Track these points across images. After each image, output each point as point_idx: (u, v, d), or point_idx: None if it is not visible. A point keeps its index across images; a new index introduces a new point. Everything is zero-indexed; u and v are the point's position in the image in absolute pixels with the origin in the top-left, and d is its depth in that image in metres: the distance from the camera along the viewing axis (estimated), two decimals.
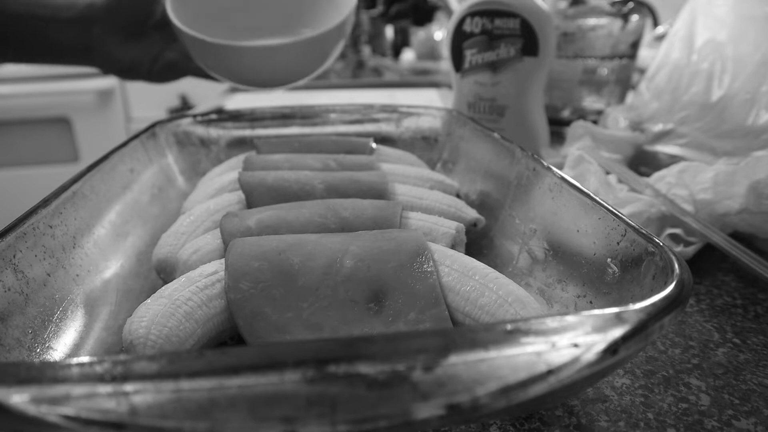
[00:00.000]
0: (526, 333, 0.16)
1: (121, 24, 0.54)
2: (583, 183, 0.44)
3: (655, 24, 1.08)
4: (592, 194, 0.29)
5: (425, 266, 0.28)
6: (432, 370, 0.15)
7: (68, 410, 0.14)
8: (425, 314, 0.26)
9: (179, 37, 0.51)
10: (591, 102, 0.76)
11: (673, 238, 0.40)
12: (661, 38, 0.91)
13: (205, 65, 0.53)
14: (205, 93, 2.02)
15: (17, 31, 0.53)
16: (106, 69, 0.58)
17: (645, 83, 0.64)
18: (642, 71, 0.77)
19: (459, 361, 0.15)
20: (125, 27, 0.54)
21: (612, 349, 0.16)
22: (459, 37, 0.58)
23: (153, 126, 0.49)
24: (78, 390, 0.14)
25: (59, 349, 0.26)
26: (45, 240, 0.29)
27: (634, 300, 0.18)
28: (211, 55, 0.51)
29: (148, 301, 0.26)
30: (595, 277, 0.27)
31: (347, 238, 0.30)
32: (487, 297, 0.27)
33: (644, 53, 0.88)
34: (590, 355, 0.16)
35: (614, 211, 0.27)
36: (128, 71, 0.58)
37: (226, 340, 0.28)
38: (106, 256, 0.34)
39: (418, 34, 1.62)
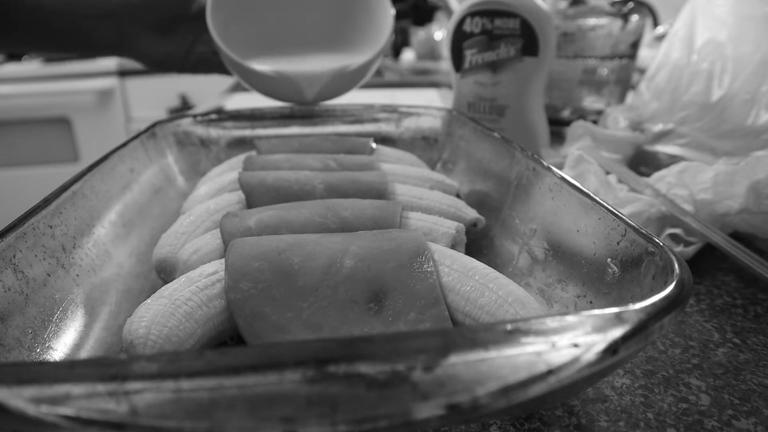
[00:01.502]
0: (526, 333, 0.16)
1: (155, 20, 0.55)
2: (583, 183, 0.44)
3: (655, 24, 1.08)
4: (592, 194, 0.29)
5: (425, 266, 0.28)
6: (432, 370, 0.15)
7: (68, 410, 0.14)
8: (425, 314, 0.26)
9: (220, 54, 0.52)
10: (591, 102, 0.76)
11: (673, 238, 0.40)
12: (661, 38, 0.91)
13: (243, 80, 0.54)
14: (205, 93, 2.02)
15: (52, 25, 0.54)
16: (140, 61, 0.59)
17: (645, 83, 0.64)
18: (642, 71, 0.77)
19: (459, 361, 0.15)
20: (159, 23, 0.55)
21: (612, 349, 0.16)
22: (459, 37, 0.58)
23: (153, 126, 0.49)
24: (78, 390, 0.14)
25: (59, 349, 0.26)
26: (45, 240, 0.29)
27: (634, 300, 0.18)
28: (251, 76, 0.52)
29: (148, 301, 0.26)
30: (595, 277, 0.27)
31: (347, 238, 0.30)
32: (487, 297, 0.27)
33: (644, 53, 0.88)
34: (590, 355, 0.16)
35: (614, 211, 0.27)
36: (161, 64, 0.58)
37: (226, 340, 0.28)
38: (105, 257, 0.34)
39: (418, 34, 1.62)
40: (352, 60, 0.53)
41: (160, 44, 0.56)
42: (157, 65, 0.59)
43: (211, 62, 0.59)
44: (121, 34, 0.54)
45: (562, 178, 0.32)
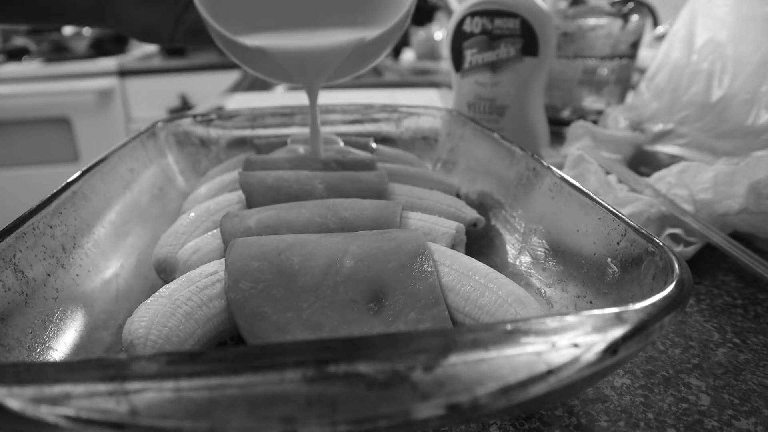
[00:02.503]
0: (526, 333, 0.16)
1: None
2: (583, 183, 0.44)
3: (655, 24, 1.08)
4: (592, 194, 0.29)
5: (425, 266, 0.28)
6: (432, 370, 0.15)
7: (68, 410, 0.14)
8: (425, 314, 0.26)
9: (207, 27, 0.42)
10: (591, 102, 0.76)
11: (673, 238, 0.40)
12: (661, 38, 0.91)
13: (237, 59, 0.44)
14: (205, 93, 2.02)
15: None
16: (124, 31, 0.52)
17: (645, 83, 0.64)
18: (642, 71, 0.77)
19: (459, 361, 0.15)
20: None
21: (612, 349, 0.16)
22: (459, 37, 0.58)
23: (153, 126, 0.49)
24: (78, 390, 0.14)
25: (59, 349, 0.26)
26: (45, 240, 0.29)
27: (634, 300, 0.18)
28: (244, 53, 0.42)
29: (148, 300, 0.26)
30: (595, 277, 0.27)
31: (347, 238, 0.30)
32: (487, 297, 0.27)
33: (644, 53, 0.88)
34: (590, 355, 0.16)
35: (614, 211, 0.27)
36: (146, 34, 0.51)
37: (226, 340, 0.28)
38: (106, 256, 0.34)
39: (418, 34, 1.62)
40: (367, 32, 0.42)
41: (146, 10, 0.48)
42: (142, 35, 0.51)
43: (204, 34, 0.49)
44: (98, 1, 0.48)
45: (562, 178, 0.32)
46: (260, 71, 0.46)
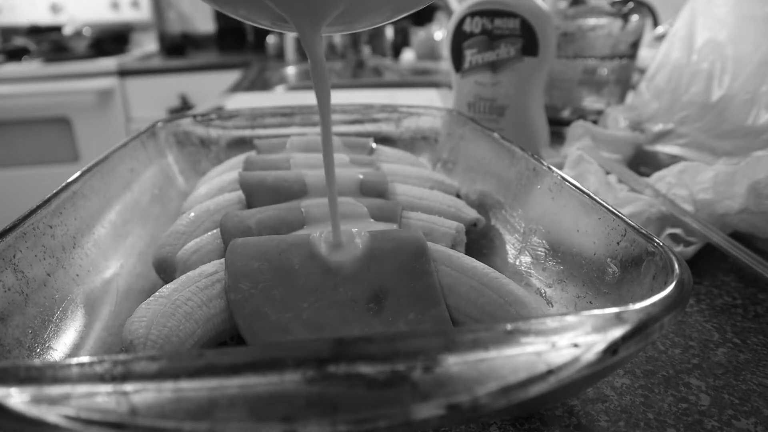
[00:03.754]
0: (526, 333, 0.16)
1: None
2: (583, 183, 0.44)
3: (655, 24, 1.08)
4: (592, 194, 0.29)
5: (425, 266, 0.28)
6: (432, 370, 0.15)
7: (68, 410, 0.14)
8: (425, 314, 0.26)
9: None
10: (591, 102, 0.76)
11: (673, 238, 0.40)
12: (661, 38, 0.91)
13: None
14: (205, 93, 2.02)
15: None
16: None
17: (645, 83, 0.64)
18: (642, 71, 0.77)
19: (459, 361, 0.15)
20: None
21: (612, 349, 0.16)
22: (459, 37, 0.58)
23: (153, 126, 0.49)
24: (78, 390, 0.14)
25: (59, 349, 0.26)
26: (45, 240, 0.29)
27: (634, 300, 0.18)
28: None
29: (148, 300, 0.26)
30: (595, 277, 0.27)
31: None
32: (487, 297, 0.27)
33: (644, 53, 0.88)
34: (590, 355, 0.16)
35: (614, 211, 0.27)
36: None
37: (226, 340, 0.28)
38: (106, 256, 0.34)
39: (418, 34, 1.62)
40: None
41: None
42: None
43: None
44: None
45: (562, 178, 0.32)
46: (234, 9, 0.27)
